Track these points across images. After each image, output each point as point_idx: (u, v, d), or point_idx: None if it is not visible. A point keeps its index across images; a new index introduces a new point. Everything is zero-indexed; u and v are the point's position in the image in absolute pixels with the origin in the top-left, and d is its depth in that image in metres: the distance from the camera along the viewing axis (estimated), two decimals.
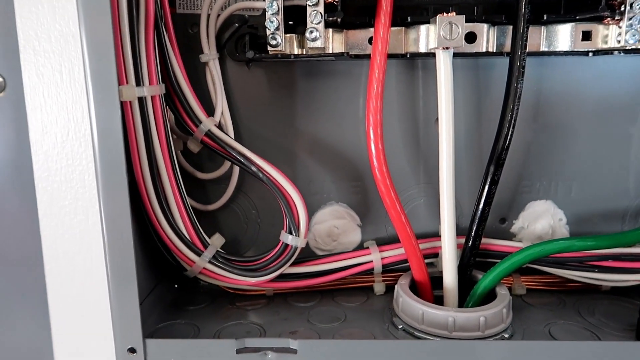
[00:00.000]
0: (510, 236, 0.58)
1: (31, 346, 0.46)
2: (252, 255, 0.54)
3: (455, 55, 0.46)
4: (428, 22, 0.46)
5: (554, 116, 0.55)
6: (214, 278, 0.52)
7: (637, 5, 0.44)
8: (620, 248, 0.51)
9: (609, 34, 0.47)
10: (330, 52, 0.49)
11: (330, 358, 0.44)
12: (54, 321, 0.45)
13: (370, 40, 0.49)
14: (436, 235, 0.56)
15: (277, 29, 0.45)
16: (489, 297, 0.49)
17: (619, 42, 0.46)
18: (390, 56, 0.48)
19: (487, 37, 0.47)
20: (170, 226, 0.48)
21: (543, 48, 0.48)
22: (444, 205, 0.47)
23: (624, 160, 0.55)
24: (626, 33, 0.45)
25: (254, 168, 0.49)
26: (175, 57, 0.49)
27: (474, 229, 0.50)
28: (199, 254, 0.50)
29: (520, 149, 0.55)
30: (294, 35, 0.47)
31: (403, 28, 0.49)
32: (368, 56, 0.47)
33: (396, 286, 0.51)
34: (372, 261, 0.54)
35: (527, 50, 0.46)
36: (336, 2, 0.45)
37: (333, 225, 0.58)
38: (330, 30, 0.48)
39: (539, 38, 0.48)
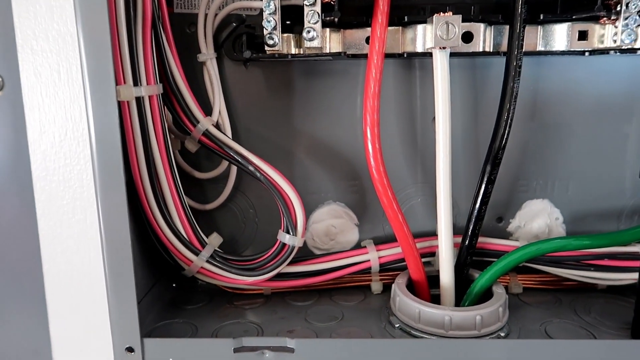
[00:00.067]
0: (506, 235, 0.58)
1: (29, 345, 0.46)
2: (249, 254, 0.54)
3: (452, 54, 0.46)
4: (425, 22, 0.47)
5: (551, 115, 0.55)
6: (211, 277, 0.52)
7: (633, 5, 0.44)
8: (616, 247, 0.51)
9: (605, 34, 0.47)
10: (328, 51, 0.49)
11: (327, 357, 0.44)
12: (52, 320, 0.45)
13: (367, 40, 0.49)
14: (433, 234, 0.56)
15: (275, 28, 0.45)
16: (486, 295, 0.49)
17: (615, 41, 0.46)
18: (388, 56, 0.48)
19: (484, 37, 0.47)
20: (168, 225, 0.48)
21: (539, 48, 0.49)
22: (441, 205, 0.47)
23: (620, 160, 0.56)
24: (622, 33, 0.45)
25: (251, 167, 0.50)
26: (172, 57, 0.49)
27: (471, 228, 0.50)
28: (196, 253, 0.50)
29: (516, 148, 0.55)
30: (291, 34, 0.47)
31: (400, 28, 0.49)
32: (365, 56, 0.47)
33: (393, 285, 0.51)
34: (369, 260, 0.54)
35: (523, 50, 0.46)
36: (333, 1, 0.45)
37: (330, 225, 0.58)
38: (328, 29, 0.48)
39: (535, 38, 0.48)
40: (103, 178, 0.41)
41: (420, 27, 0.47)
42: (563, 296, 0.54)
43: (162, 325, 0.50)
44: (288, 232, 0.50)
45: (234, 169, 0.56)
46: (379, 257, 0.54)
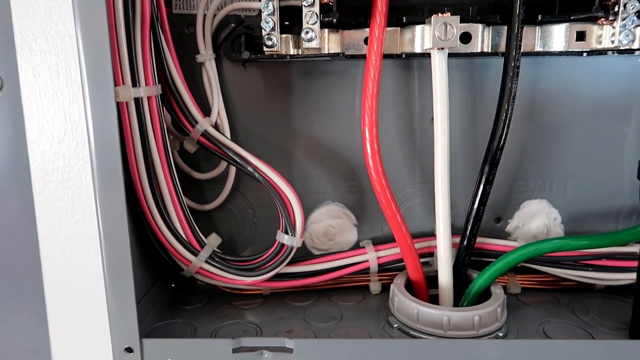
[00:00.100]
0: (505, 235, 0.58)
1: (29, 345, 0.46)
2: (248, 254, 0.54)
3: (450, 55, 0.46)
4: (423, 23, 0.47)
5: (549, 116, 0.55)
6: (210, 278, 0.52)
7: (631, 5, 0.45)
8: (614, 247, 0.51)
9: (603, 34, 0.47)
10: (326, 52, 0.49)
11: (326, 357, 0.44)
12: (51, 321, 0.45)
13: (365, 41, 0.49)
14: (432, 234, 0.56)
15: (273, 29, 0.46)
16: (484, 296, 0.49)
17: (612, 42, 0.46)
18: (386, 56, 0.48)
19: (482, 38, 0.48)
20: (167, 226, 0.49)
21: (537, 48, 0.49)
22: (439, 205, 0.47)
23: (618, 160, 0.56)
24: (620, 33, 0.45)
25: (250, 168, 0.50)
26: (171, 58, 0.49)
27: (469, 228, 0.50)
28: (195, 253, 0.50)
29: (515, 149, 0.55)
30: (289, 35, 0.47)
31: (398, 28, 0.49)
32: (363, 56, 0.47)
33: (392, 285, 0.51)
34: (368, 260, 0.54)
35: (521, 51, 0.46)
36: (332, 2, 0.45)
37: (329, 225, 0.58)
38: (326, 30, 0.48)
39: (533, 38, 0.49)
40: (102, 178, 0.41)
41: (418, 27, 0.47)
42: (561, 296, 0.54)
43: (161, 326, 0.50)
44: (287, 233, 0.50)
45: (232, 169, 0.56)
46: (378, 258, 0.54)
